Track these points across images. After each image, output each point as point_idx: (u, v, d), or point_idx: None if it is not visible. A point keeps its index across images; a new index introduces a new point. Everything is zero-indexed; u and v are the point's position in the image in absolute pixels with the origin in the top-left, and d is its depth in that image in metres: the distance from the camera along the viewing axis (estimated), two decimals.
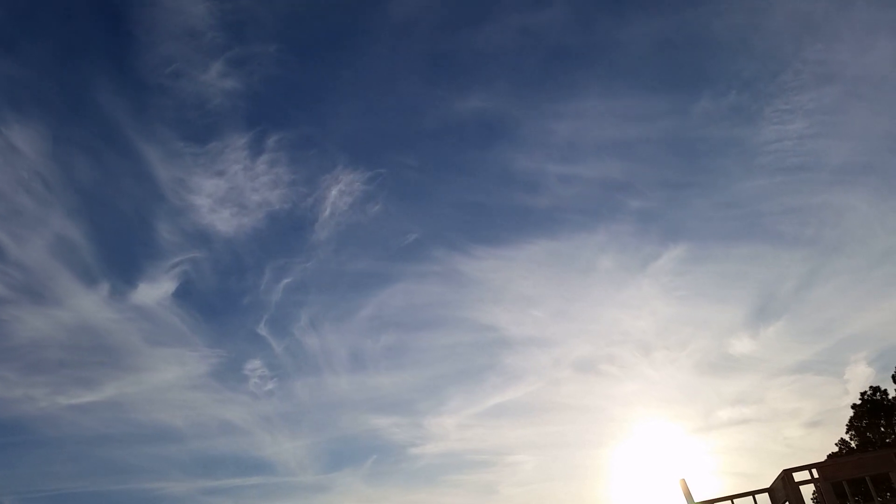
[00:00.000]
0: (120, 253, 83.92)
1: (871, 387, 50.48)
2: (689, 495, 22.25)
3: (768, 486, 22.64)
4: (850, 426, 50.95)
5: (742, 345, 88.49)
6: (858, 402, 50.77)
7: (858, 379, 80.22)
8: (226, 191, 79.02)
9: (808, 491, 23.59)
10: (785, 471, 20.93)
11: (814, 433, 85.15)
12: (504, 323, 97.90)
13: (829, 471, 20.62)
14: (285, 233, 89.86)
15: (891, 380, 50.05)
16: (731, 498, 21.78)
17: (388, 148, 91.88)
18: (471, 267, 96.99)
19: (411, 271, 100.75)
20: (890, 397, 49.49)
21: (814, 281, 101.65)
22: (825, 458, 60.42)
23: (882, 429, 49.35)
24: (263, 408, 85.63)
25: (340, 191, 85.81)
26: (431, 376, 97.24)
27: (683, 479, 22.93)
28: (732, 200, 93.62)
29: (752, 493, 21.93)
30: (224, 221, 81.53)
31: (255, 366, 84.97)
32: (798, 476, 20.71)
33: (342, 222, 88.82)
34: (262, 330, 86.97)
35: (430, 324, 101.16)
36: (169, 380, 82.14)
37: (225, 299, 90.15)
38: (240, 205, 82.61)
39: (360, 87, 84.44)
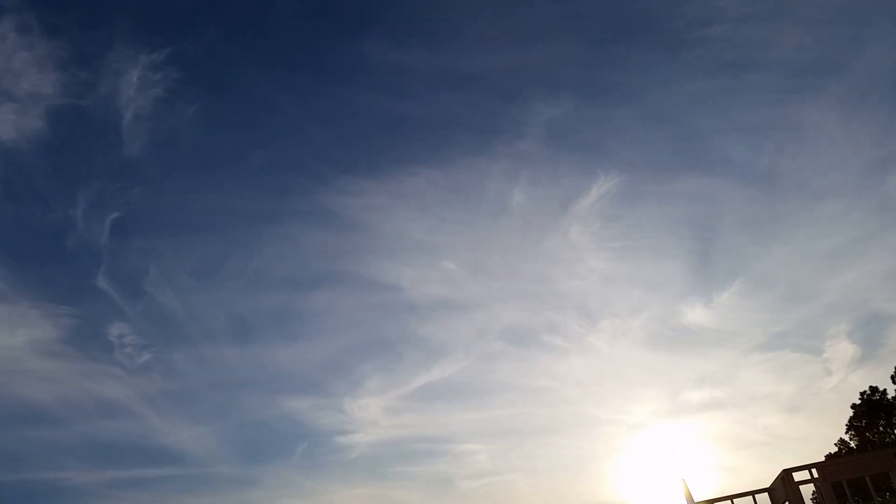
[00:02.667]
0: None
1: (870, 387, 50.47)
2: (689, 495, 22.26)
3: (768, 485, 22.66)
4: (850, 426, 50.92)
5: (695, 314, 79.79)
6: (858, 401, 50.76)
7: (841, 358, 74.48)
8: None
9: (808, 491, 23.63)
10: (785, 471, 20.96)
11: (794, 420, 76.98)
12: (407, 281, 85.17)
13: (829, 471, 20.65)
14: (82, 142, 70.30)
15: (890, 380, 50.05)
16: (731, 498, 21.82)
17: (191, 22, 70.21)
18: (344, 204, 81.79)
19: (275, 209, 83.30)
20: (889, 397, 49.48)
21: (774, 230, 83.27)
22: (819, 453, 60.13)
23: (882, 429, 49.33)
24: (143, 384, 73.57)
25: (140, 81, 65.83)
26: (336, 350, 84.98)
27: (683, 479, 22.96)
28: (662, 112, 78.69)
29: (752, 493, 21.96)
30: None
31: (120, 331, 72.12)
32: (798, 476, 20.75)
33: (155, 130, 70.79)
34: (104, 283, 71.70)
35: (318, 282, 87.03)
36: (16, 346, 67.63)
37: (37, 238, 70.94)
38: (5, 94, 62.32)
39: None
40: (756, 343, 78.68)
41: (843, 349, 73.87)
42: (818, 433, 76.72)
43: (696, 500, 22.12)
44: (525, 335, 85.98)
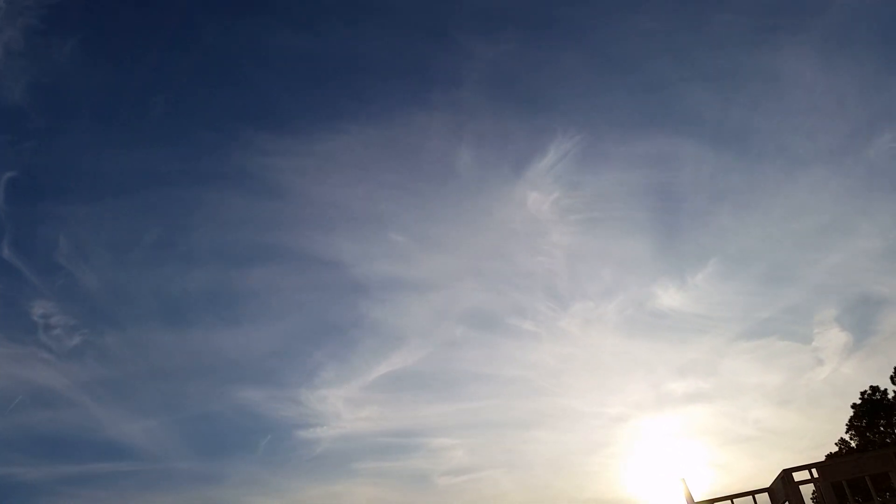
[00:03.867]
0: None
1: (871, 387, 50.42)
2: (689, 495, 22.27)
3: (768, 485, 22.67)
4: (850, 426, 50.88)
5: (669, 297, 72.28)
6: (858, 401, 50.71)
7: (831, 346, 68.99)
8: None
9: (808, 491, 23.63)
10: (785, 471, 20.97)
11: (786, 413, 71.17)
12: (350, 256, 75.32)
13: (829, 471, 20.65)
14: None
15: (889, 380, 50.01)
16: (731, 498, 21.84)
17: None
18: (266, 166, 70.32)
19: (188, 170, 72.23)
20: (890, 397, 49.44)
21: (751, 201, 73.38)
22: (814, 448, 59.14)
23: (882, 429, 49.28)
24: (76, 371, 67.13)
25: (7, 5, 56.61)
26: (283, 336, 76.66)
27: (683, 479, 22.97)
28: (620, 57, 69.77)
29: (752, 493, 21.99)
30: None
31: (44, 310, 65.52)
32: (798, 476, 20.79)
33: (33, 69, 59.84)
34: (10, 255, 65.01)
35: (251, 257, 76.41)
36: None
37: None
38: None
39: None
40: (740, 330, 72.60)
41: (832, 337, 68.54)
42: (811, 427, 71.71)
43: (695, 501, 22.13)
44: (489, 319, 77.73)
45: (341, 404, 72.56)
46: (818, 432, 72.75)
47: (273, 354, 77.16)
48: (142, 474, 69.30)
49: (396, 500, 69.67)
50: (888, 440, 47.88)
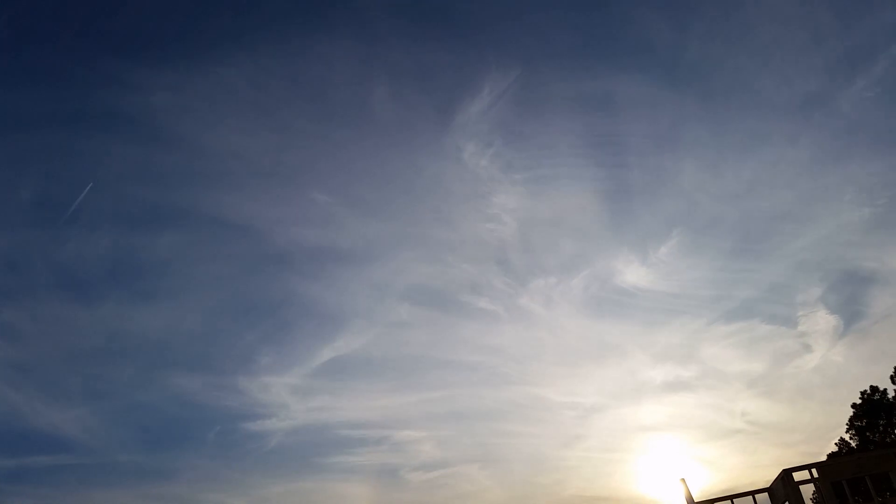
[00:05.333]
0: None
1: (871, 386, 50.40)
2: (689, 495, 22.27)
3: (768, 486, 22.68)
4: (850, 426, 50.88)
5: (633, 273, 65.55)
6: (859, 401, 50.71)
7: (819, 331, 63.63)
8: None
9: (808, 491, 23.62)
10: (785, 470, 20.98)
11: (775, 406, 65.83)
12: (265, 221, 65.58)
13: (829, 470, 20.66)
14: None
15: (889, 380, 49.99)
16: (731, 497, 21.84)
17: None
18: (140, 105, 57.25)
19: (51, 107, 58.51)
20: (889, 397, 49.44)
21: (715, 156, 63.73)
22: (808, 444, 56.93)
23: (882, 428, 49.27)
24: None
25: None
26: (206, 314, 68.14)
27: (683, 479, 22.96)
28: None
29: (752, 493, 21.99)
30: None
31: None
32: (798, 476, 20.80)
33: None
34: None
35: (151, 220, 65.60)
36: None
37: None
38: None
39: None
40: (717, 312, 66.08)
41: (819, 320, 63.36)
42: (803, 420, 66.78)
43: (695, 501, 22.13)
44: (438, 296, 69.20)
45: (287, 393, 66.63)
46: (810, 426, 66.09)
47: (199, 336, 69.57)
48: (82, 468, 64.06)
49: (367, 498, 65.55)
50: (888, 440, 47.87)
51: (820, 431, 66.45)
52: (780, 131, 61.03)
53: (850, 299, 65.08)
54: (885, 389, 50.04)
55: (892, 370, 49.99)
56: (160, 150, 61.37)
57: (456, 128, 60.63)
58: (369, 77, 60.09)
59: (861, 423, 50.26)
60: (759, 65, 59.46)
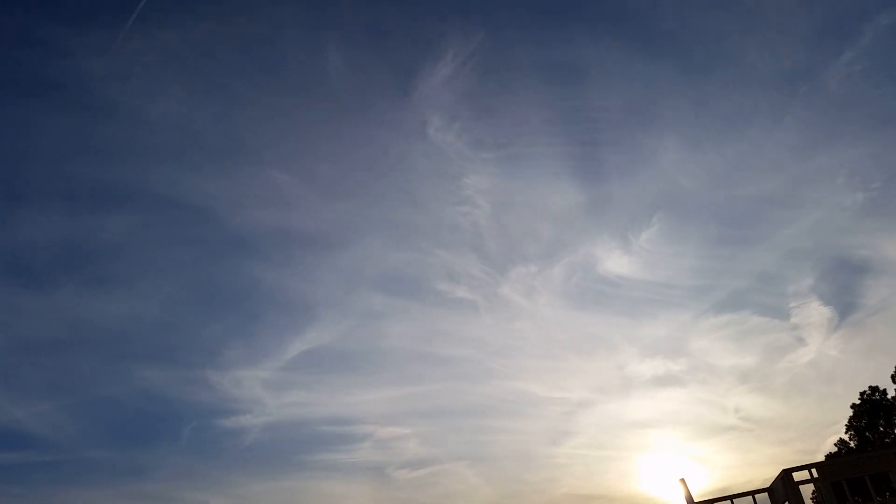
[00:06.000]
0: None
1: (870, 386, 50.42)
2: (689, 495, 22.25)
3: (766, 485, 22.66)
4: (850, 426, 50.89)
5: (614, 262, 63.04)
6: (858, 401, 50.72)
7: (813, 324, 60.98)
8: None
9: (808, 491, 23.62)
10: (785, 470, 20.96)
11: (770, 402, 64.04)
12: (223, 202, 60.80)
13: (829, 471, 20.64)
14: None
15: (890, 379, 50.02)
16: (731, 497, 21.81)
17: None
18: (66, 71, 50.62)
19: None
20: (889, 397, 49.45)
21: (698, 134, 60.60)
22: (804, 441, 55.44)
23: (881, 429, 49.29)
24: None
25: None
26: (168, 304, 63.74)
27: (683, 479, 22.93)
28: None
29: (752, 493, 21.95)
30: None
31: None
32: (798, 476, 20.77)
33: None
34: None
35: (100, 200, 59.85)
36: None
37: None
38: None
39: None
40: (706, 303, 63.82)
41: (813, 312, 61.38)
42: (797, 417, 64.80)
43: (695, 501, 22.10)
44: (413, 284, 65.87)
45: (260, 388, 63.91)
46: (805, 422, 64.22)
47: (162, 327, 65.14)
48: (52, 466, 61.03)
49: (353, 496, 63.78)
50: (888, 440, 47.88)
51: (815, 428, 64.18)
52: (765, 107, 58.21)
53: (844, 290, 63.18)
54: (885, 389, 50.07)
55: (893, 369, 50.03)
56: (97, 122, 56.29)
57: (419, 99, 57.03)
58: (322, 42, 55.56)
59: (860, 423, 50.28)
60: (742, 32, 55.70)
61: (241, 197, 59.22)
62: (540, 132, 59.60)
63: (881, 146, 58.02)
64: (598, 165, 62.38)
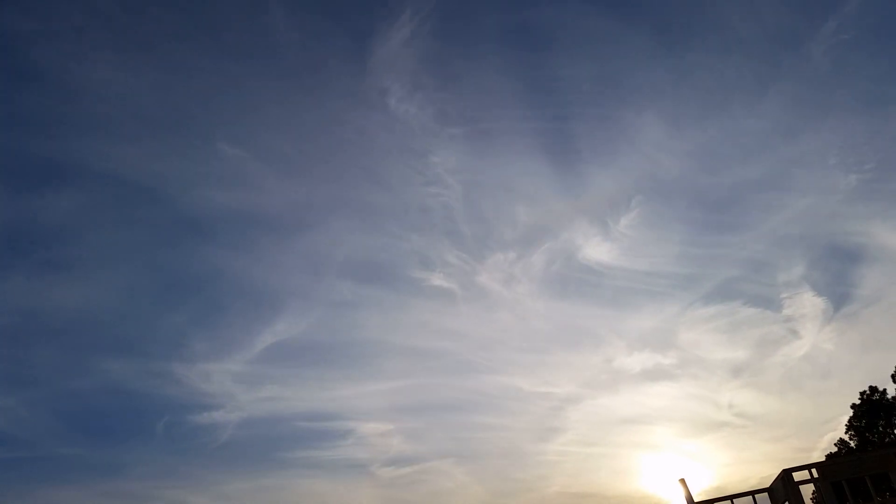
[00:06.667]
0: None
1: (870, 386, 50.38)
2: (689, 495, 22.23)
3: (764, 485, 22.65)
4: (850, 426, 50.86)
5: (595, 249, 59.82)
6: (858, 401, 50.69)
7: (807, 316, 59.08)
8: None
9: (808, 491, 23.60)
10: (785, 470, 20.95)
11: (764, 397, 61.95)
12: (172, 181, 55.33)
13: (829, 471, 20.63)
14: None
15: (888, 377, 49.98)
16: (731, 497, 21.79)
17: None
18: None
19: None
20: (889, 397, 49.43)
21: (680, 110, 56.58)
22: (801, 439, 54.56)
23: (881, 429, 49.26)
24: None
25: None
26: (120, 290, 60.08)
27: (683, 479, 22.91)
28: None
29: (752, 493, 21.94)
30: None
31: None
32: (798, 476, 20.77)
33: None
34: None
35: (36, 175, 54.34)
36: None
37: None
38: None
39: None
40: (694, 293, 61.08)
41: (806, 303, 59.11)
42: (793, 413, 62.98)
43: (695, 501, 22.08)
44: (385, 271, 62.86)
45: (230, 382, 61.40)
46: (800, 419, 62.36)
47: (122, 316, 61.53)
48: (21, 463, 58.20)
49: (338, 494, 61.83)
50: (888, 440, 47.85)
51: (811, 425, 61.52)
52: (749, 79, 54.38)
53: (837, 279, 60.67)
54: (885, 389, 50.05)
55: (891, 366, 50.00)
56: (23, 89, 50.91)
57: (376, 64, 52.08)
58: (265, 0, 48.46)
59: (860, 423, 50.24)
60: None
61: (191, 174, 54.80)
62: (507, 104, 56.24)
63: (874, 124, 55.17)
64: (571, 142, 59.06)
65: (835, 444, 51.50)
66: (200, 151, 52.84)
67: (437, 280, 60.17)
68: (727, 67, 53.00)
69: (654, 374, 61.76)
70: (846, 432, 51.14)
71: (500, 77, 54.62)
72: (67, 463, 59.24)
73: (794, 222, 57.00)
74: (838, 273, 59.78)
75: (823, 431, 61.24)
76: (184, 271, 61.40)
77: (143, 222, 57.13)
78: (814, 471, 20.81)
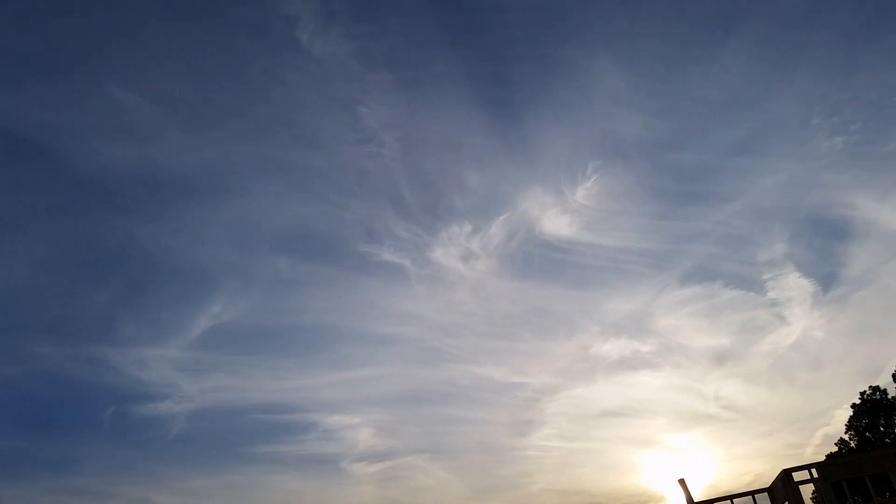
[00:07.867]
0: None
1: (870, 386, 50.36)
2: (689, 496, 22.26)
3: (768, 485, 22.67)
4: (850, 426, 50.83)
5: (554, 222, 51.62)
6: (858, 401, 50.65)
7: (794, 299, 52.78)
8: None
9: (808, 491, 23.61)
10: (785, 470, 20.97)
11: (754, 389, 55.58)
12: (55, 129, 43.24)
13: (829, 471, 20.64)
14: None
15: (891, 378, 49.95)
16: (731, 497, 21.84)
17: None
18: None
19: None
20: (890, 397, 49.41)
21: (638, 59, 44.77)
22: (797, 434, 53.17)
23: (881, 428, 49.24)
24: None
25: None
26: (29, 265, 52.25)
27: (683, 479, 22.93)
28: None
29: (752, 493, 21.98)
30: None
31: None
32: (798, 476, 20.81)
33: None
34: None
35: None
36: None
37: None
38: None
39: None
40: (670, 272, 52.72)
41: (791, 284, 52.50)
42: (784, 406, 58.93)
43: (695, 500, 22.11)
44: (327, 244, 52.84)
45: (170, 370, 56.01)
46: (792, 412, 58.30)
47: (39, 294, 52.65)
48: None
49: (309, 493, 57.68)
50: (887, 440, 47.83)
51: (803, 419, 57.63)
52: (717, 17, 43.30)
53: (823, 256, 53.53)
54: (885, 389, 50.04)
55: (887, 357, 49.97)
56: None
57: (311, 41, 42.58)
58: None
59: (861, 423, 50.22)
60: None
61: (83, 126, 43.56)
62: (438, 43, 44.75)
63: (862, 80, 46.46)
64: (511, 91, 47.27)
65: (835, 444, 51.51)
66: (89, 97, 42.29)
67: (387, 255, 53.15)
68: (691, 3, 42.56)
69: (632, 363, 57.31)
70: (846, 432, 51.13)
71: (422, 5, 44.27)
72: (9, 457, 55.10)
73: (774, 192, 48.83)
74: (823, 250, 53.33)
75: (816, 426, 57.17)
76: (95, 243, 52.27)
77: (37, 185, 46.16)
78: (814, 471, 20.86)
